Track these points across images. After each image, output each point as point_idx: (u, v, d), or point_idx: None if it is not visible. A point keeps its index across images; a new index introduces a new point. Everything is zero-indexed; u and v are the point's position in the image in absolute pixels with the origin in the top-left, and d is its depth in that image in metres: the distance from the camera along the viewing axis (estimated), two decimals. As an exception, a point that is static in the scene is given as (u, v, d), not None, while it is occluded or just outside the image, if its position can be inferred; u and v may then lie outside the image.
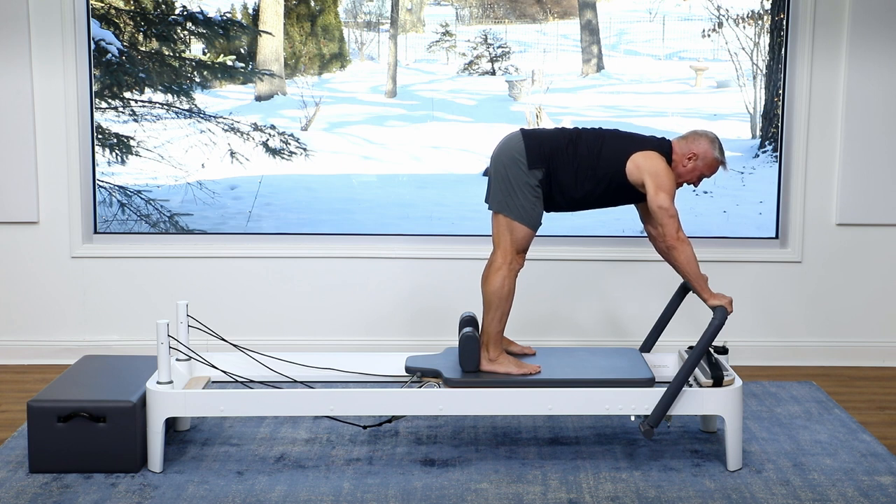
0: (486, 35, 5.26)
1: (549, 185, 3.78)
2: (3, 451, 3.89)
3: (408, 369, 3.88)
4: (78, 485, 3.57)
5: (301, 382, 3.98)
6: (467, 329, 3.81)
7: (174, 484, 3.60)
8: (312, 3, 5.19)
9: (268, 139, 5.19)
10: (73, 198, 5.04)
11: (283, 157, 5.20)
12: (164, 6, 5.11)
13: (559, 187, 3.78)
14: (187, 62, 5.16)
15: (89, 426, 3.64)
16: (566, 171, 3.77)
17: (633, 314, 5.13)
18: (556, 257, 5.10)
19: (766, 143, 5.19)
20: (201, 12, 5.10)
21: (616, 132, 3.89)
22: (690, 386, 3.72)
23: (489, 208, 3.88)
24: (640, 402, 3.68)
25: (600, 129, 3.90)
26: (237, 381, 3.93)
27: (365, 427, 4.00)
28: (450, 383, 3.74)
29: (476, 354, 3.79)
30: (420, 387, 3.78)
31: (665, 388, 3.65)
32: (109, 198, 5.16)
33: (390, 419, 3.97)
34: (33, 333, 5.14)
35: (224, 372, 3.92)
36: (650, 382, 3.74)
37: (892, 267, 5.17)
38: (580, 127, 3.93)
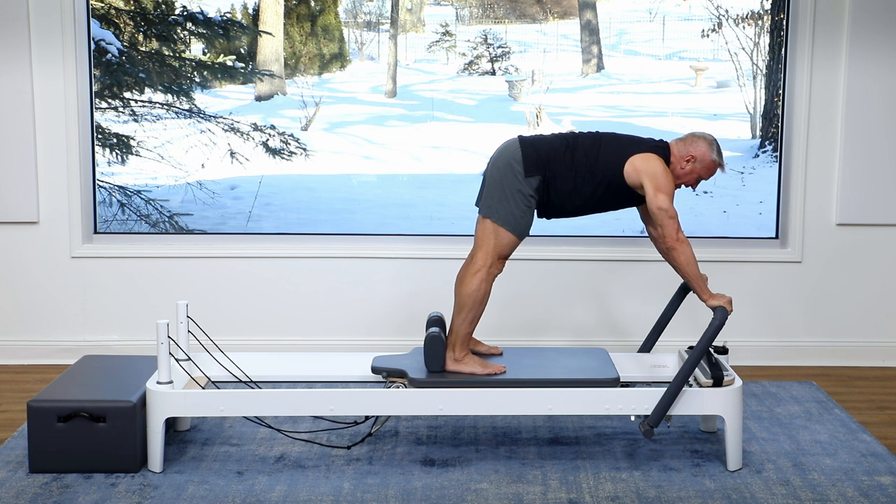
0: (486, 35, 5.26)
1: (546, 192, 3.77)
2: (3, 451, 3.89)
3: (374, 369, 3.87)
4: (78, 485, 3.57)
5: (300, 383, 3.98)
6: (433, 329, 3.80)
7: (174, 484, 3.60)
8: (312, 3, 5.19)
9: (268, 139, 5.19)
10: (73, 198, 5.04)
11: (283, 157, 5.21)
12: (164, 6, 5.11)
13: (558, 194, 3.78)
14: (187, 62, 5.16)
15: (89, 426, 3.64)
16: (565, 178, 3.76)
17: (633, 314, 5.13)
18: (555, 257, 5.11)
19: (766, 143, 5.19)
20: (201, 12, 5.10)
21: (613, 135, 3.89)
22: (690, 386, 3.72)
23: (479, 212, 3.88)
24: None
25: (597, 132, 3.90)
26: (234, 382, 3.93)
27: (349, 447, 3.94)
28: (415, 383, 3.74)
29: (441, 354, 3.78)
30: (387, 387, 3.77)
31: (665, 388, 3.65)
32: (109, 198, 5.16)
33: (370, 433, 3.94)
34: (33, 333, 5.14)
35: (209, 379, 3.91)
36: (615, 382, 3.73)
37: (892, 267, 5.17)
38: (577, 131, 3.92)
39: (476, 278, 3.80)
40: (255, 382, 3.92)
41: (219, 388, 3.88)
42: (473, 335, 3.92)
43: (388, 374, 3.82)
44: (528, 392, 3.70)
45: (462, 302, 3.82)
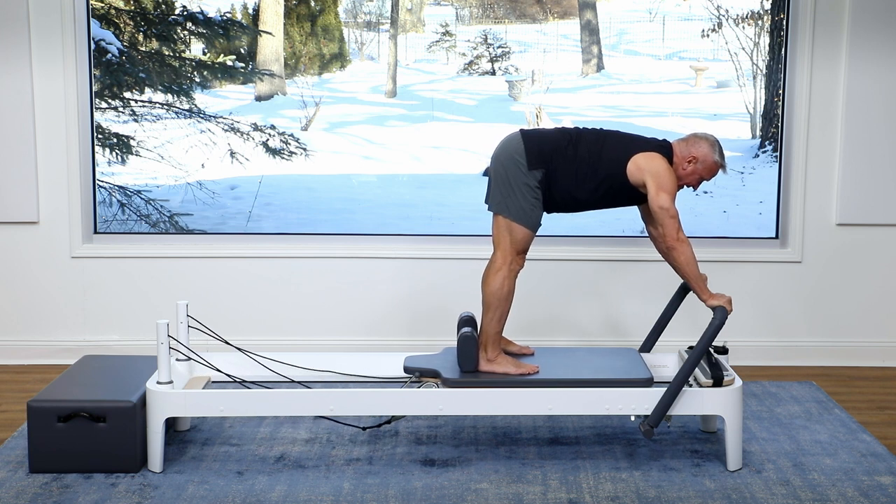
0: (486, 35, 5.26)
1: (548, 185, 3.77)
2: (3, 451, 3.89)
3: (406, 369, 3.88)
4: (78, 485, 3.57)
5: (300, 383, 3.98)
6: (465, 329, 3.81)
7: (174, 484, 3.60)
8: (312, 3, 5.19)
9: (268, 139, 5.19)
10: (73, 198, 5.04)
11: (283, 157, 5.21)
12: (164, 6, 5.11)
13: (559, 188, 3.78)
14: (187, 62, 5.16)
15: (89, 426, 3.64)
16: (566, 172, 3.77)
17: (633, 314, 5.13)
18: (556, 257, 5.10)
19: (766, 143, 5.19)
20: (201, 12, 5.11)
21: (617, 133, 3.89)
22: (690, 386, 3.72)
23: (489, 209, 3.88)
24: (640, 402, 3.67)
25: (601, 129, 3.90)
26: (236, 382, 3.93)
27: (365, 428, 4.00)
28: (448, 383, 3.74)
29: (474, 354, 3.79)
30: (419, 387, 3.78)
31: (665, 388, 3.65)
32: (109, 198, 5.16)
33: (390, 420, 3.96)
34: (33, 333, 5.14)
35: (223, 372, 3.91)
36: (649, 382, 3.74)
37: (892, 267, 5.17)
38: (580, 127, 3.92)
39: (498, 276, 3.80)
40: (290, 377, 3.93)
41: (248, 387, 3.87)
42: (504, 335, 3.92)
43: (421, 374, 3.83)
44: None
45: (488, 301, 3.83)
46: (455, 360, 3.85)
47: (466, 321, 3.93)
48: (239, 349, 3.98)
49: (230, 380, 3.93)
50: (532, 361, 3.92)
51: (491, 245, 3.89)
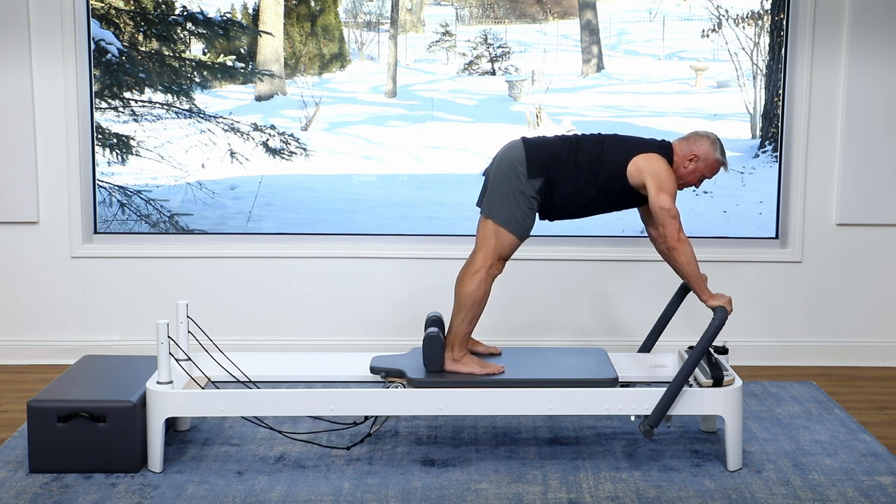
0: (486, 35, 5.26)
1: (549, 193, 3.77)
2: (3, 451, 3.89)
3: (373, 369, 3.86)
4: (78, 485, 3.57)
5: (299, 383, 3.98)
6: (431, 329, 3.80)
7: (174, 484, 3.60)
8: (312, 3, 5.19)
9: (268, 139, 5.19)
10: (73, 198, 5.04)
11: (283, 157, 5.21)
12: (164, 6, 5.11)
13: (560, 195, 3.78)
14: (187, 62, 5.16)
15: (89, 426, 3.64)
16: (568, 180, 3.76)
17: (633, 314, 5.13)
18: (556, 257, 5.11)
19: (766, 143, 5.19)
20: (201, 12, 5.11)
21: (616, 136, 3.89)
22: (690, 386, 3.72)
23: (481, 212, 3.88)
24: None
25: (599, 134, 3.90)
26: (234, 382, 3.93)
27: (349, 448, 3.94)
28: (413, 383, 3.74)
29: (440, 354, 3.78)
30: (393, 387, 3.77)
31: (665, 388, 3.65)
32: (109, 198, 5.16)
33: (370, 433, 3.93)
34: (33, 333, 5.14)
35: (209, 379, 3.91)
36: (614, 382, 3.73)
37: (892, 267, 5.17)
38: (580, 133, 3.93)
39: (475, 279, 3.79)
40: (254, 382, 3.92)
41: (219, 389, 3.88)
42: (473, 335, 3.92)
43: (387, 374, 3.82)
44: (528, 392, 3.70)
45: (461, 302, 3.82)
46: (421, 359, 3.84)
47: (433, 321, 3.91)
48: (218, 352, 3.97)
49: (231, 379, 3.94)
50: (499, 361, 3.91)
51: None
